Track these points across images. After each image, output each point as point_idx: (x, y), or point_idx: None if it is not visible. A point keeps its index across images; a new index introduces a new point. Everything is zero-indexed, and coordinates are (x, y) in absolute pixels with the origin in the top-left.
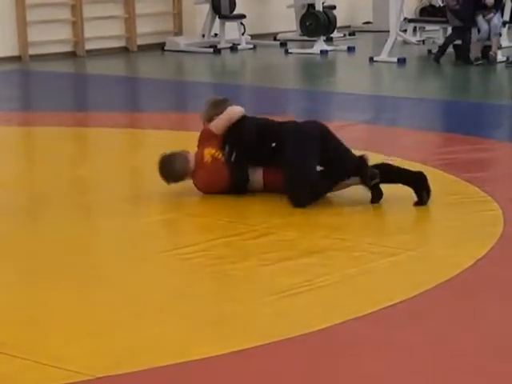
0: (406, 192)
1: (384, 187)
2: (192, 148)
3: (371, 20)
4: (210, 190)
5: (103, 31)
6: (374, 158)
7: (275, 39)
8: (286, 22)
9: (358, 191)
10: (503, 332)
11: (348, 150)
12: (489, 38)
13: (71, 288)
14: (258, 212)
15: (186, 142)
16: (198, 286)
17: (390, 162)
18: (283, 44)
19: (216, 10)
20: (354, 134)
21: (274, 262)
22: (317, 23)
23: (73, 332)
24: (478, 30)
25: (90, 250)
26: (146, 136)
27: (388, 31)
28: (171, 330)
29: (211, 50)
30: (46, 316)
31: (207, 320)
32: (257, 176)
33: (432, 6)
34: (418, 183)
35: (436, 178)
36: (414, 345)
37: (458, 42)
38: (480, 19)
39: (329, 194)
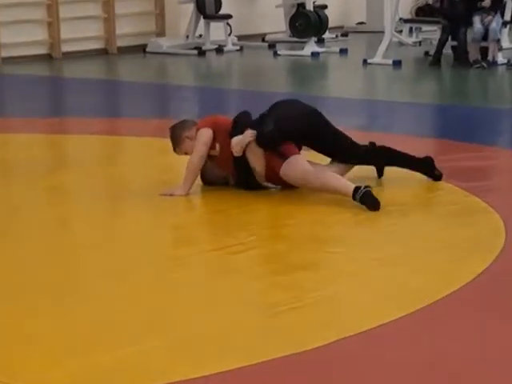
0: (401, 202)
1: (377, 197)
2: (177, 159)
3: (365, 20)
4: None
5: (81, 32)
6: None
7: (263, 40)
8: (275, 23)
9: (351, 202)
10: (504, 350)
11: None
12: (484, 39)
13: (49, 306)
14: (245, 223)
15: (169, 149)
16: (180, 302)
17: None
18: (272, 45)
19: (201, 9)
20: None
21: (262, 276)
22: (307, 24)
23: (52, 353)
24: None
25: (68, 266)
26: (126, 143)
27: (383, 32)
28: (154, 349)
29: (195, 51)
30: (24, 338)
31: (192, 338)
32: (259, 166)
33: (428, 6)
34: (426, 166)
35: (433, 188)
36: (411, 364)
37: (454, 43)
38: (476, 19)
39: (320, 203)
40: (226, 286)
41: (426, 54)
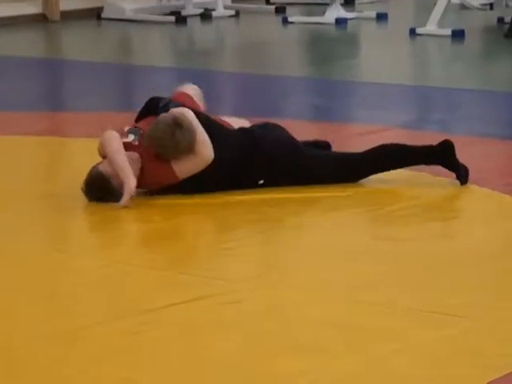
0: (463, 226)
1: (429, 219)
2: None
3: None
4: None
5: None
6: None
7: (268, 2)
8: None
9: (395, 224)
10: None
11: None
12: None
13: None
14: (243, 259)
15: None
16: (150, 379)
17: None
18: (280, 10)
19: None
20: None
21: (268, 336)
22: None
23: None
24: None
25: None
26: (72, 147)
27: None
28: None
29: (172, 18)
30: None
31: None
32: None
33: None
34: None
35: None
36: None
37: None
38: None
39: (347, 227)
40: (217, 354)
41: (500, 21)
